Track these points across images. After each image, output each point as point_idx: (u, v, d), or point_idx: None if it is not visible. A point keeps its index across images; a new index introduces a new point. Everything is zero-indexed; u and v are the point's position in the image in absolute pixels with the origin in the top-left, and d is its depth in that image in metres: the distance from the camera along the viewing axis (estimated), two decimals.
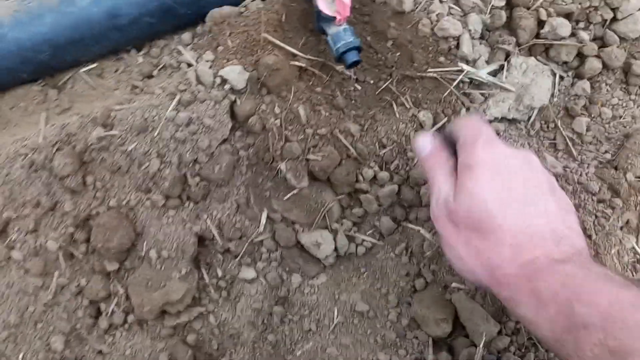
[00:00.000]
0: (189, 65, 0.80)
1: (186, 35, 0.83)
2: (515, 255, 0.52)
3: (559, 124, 0.85)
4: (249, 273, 0.79)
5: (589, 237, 0.77)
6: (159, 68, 0.82)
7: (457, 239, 0.57)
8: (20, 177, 0.74)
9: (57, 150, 0.74)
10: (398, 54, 0.85)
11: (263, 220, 0.80)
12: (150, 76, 0.83)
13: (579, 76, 0.87)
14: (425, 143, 0.65)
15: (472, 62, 0.82)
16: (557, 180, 0.80)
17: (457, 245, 0.57)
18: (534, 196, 0.56)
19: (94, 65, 0.83)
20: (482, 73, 0.81)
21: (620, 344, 0.43)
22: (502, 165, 0.57)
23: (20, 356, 0.74)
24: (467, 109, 0.82)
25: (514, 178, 0.56)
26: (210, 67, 0.77)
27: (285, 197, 0.79)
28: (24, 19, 0.76)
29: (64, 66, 0.82)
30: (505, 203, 0.54)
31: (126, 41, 0.82)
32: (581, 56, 0.86)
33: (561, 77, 0.86)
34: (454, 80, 0.81)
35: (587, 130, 0.84)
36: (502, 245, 0.53)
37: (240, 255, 0.80)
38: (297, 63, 0.81)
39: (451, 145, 0.65)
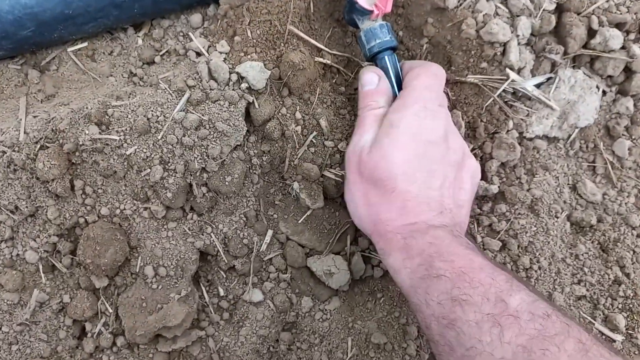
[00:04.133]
0: (198, 54, 0.69)
1: (195, 18, 0.71)
2: (399, 216, 0.58)
3: (600, 145, 0.78)
4: (255, 295, 0.71)
5: (627, 275, 0.72)
6: (161, 53, 0.71)
7: (357, 187, 0.62)
8: None
9: (41, 148, 0.63)
10: (432, 53, 0.76)
11: (268, 239, 0.71)
12: (151, 62, 0.71)
13: (622, 92, 0.79)
14: (373, 79, 0.66)
15: (517, 71, 0.73)
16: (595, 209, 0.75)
17: (356, 193, 0.62)
18: (438, 170, 0.60)
19: (84, 44, 0.70)
20: (529, 85, 0.72)
21: (461, 294, 0.49)
22: (422, 134, 0.60)
23: None
24: (512, 120, 0.73)
25: (428, 149, 0.60)
26: (225, 61, 0.66)
27: (299, 220, 0.70)
28: None
29: (48, 44, 0.69)
30: (410, 171, 0.59)
31: (124, 20, 0.69)
32: (628, 71, 0.78)
33: (604, 92, 0.79)
34: (496, 88, 0.72)
35: (629, 154, 0.77)
36: (392, 205, 0.59)
37: (246, 274, 0.71)
38: (321, 60, 0.70)
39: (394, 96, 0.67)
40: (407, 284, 0.55)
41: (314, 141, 0.70)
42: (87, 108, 0.63)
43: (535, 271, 0.71)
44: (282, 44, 0.68)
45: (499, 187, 0.73)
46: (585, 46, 0.76)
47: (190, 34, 0.70)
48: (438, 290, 0.51)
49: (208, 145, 0.65)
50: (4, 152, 0.62)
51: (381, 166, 0.59)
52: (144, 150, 0.64)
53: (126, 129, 0.63)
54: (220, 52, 0.67)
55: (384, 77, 0.67)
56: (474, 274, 0.50)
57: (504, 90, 0.73)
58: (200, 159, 0.65)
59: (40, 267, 0.66)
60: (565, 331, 0.45)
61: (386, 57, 0.68)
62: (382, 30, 0.68)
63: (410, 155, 0.60)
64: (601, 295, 0.71)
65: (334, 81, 0.74)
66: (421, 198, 0.59)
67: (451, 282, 0.51)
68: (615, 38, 0.75)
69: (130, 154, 0.63)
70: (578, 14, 0.76)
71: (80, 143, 0.63)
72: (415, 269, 0.54)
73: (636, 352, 0.69)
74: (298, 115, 0.69)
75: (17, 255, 0.65)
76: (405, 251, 0.56)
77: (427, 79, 0.64)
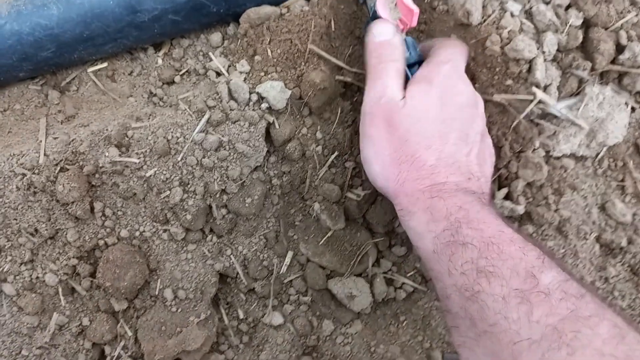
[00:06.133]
0: (218, 74, 0.68)
1: (215, 37, 0.70)
2: (430, 175, 0.55)
3: (629, 164, 0.75)
4: (275, 318, 0.70)
5: None
6: (181, 73, 0.70)
7: (385, 144, 0.58)
8: (16, 201, 0.62)
9: (60, 170, 0.62)
10: None
11: (288, 261, 0.70)
12: (171, 82, 0.71)
13: None
14: (388, 30, 0.62)
15: (544, 89, 0.71)
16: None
17: (383, 150, 0.58)
18: (468, 136, 0.58)
19: (104, 64, 0.70)
20: (558, 108, 0.70)
21: (487, 265, 0.46)
22: (455, 97, 0.59)
23: None
24: (538, 138, 0.71)
25: (460, 113, 0.59)
26: (245, 80, 0.65)
27: (320, 242, 0.69)
28: (26, 9, 0.62)
29: (68, 64, 0.69)
30: (445, 131, 0.57)
31: (144, 40, 0.69)
32: None
33: (632, 109, 0.76)
34: (522, 107, 0.70)
35: None
36: (424, 163, 0.56)
37: (266, 297, 0.70)
38: (342, 78, 0.69)
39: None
40: (429, 249, 0.52)
41: (335, 161, 0.68)
42: (107, 130, 0.62)
43: None
44: (303, 63, 0.67)
45: (525, 207, 0.71)
46: (613, 62, 0.74)
47: (210, 53, 0.69)
48: (463, 259, 0.48)
49: (228, 167, 0.64)
50: (24, 175, 0.62)
51: (418, 123, 0.57)
52: (164, 172, 0.63)
53: (146, 151, 0.62)
54: (241, 72, 0.66)
55: (399, 32, 0.63)
56: (504, 245, 0.47)
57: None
58: (220, 180, 0.64)
59: (60, 289, 0.66)
60: (600, 313, 0.41)
61: (410, 72, 0.66)
62: (407, 46, 0.66)
63: (446, 115, 0.58)
64: (633, 320, 0.69)
65: (354, 99, 0.73)
66: (453, 160, 0.56)
67: (478, 252, 0.47)
68: None
69: (150, 176, 0.63)
70: (606, 29, 0.74)
71: (100, 165, 0.62)
72: (440, 234, 0.51)
73: None
74: (319, 135, 0.68)
75: (37, 278, 0.65)
76: (430, 212, 0.52)
77: (450, 50, 0.63)
